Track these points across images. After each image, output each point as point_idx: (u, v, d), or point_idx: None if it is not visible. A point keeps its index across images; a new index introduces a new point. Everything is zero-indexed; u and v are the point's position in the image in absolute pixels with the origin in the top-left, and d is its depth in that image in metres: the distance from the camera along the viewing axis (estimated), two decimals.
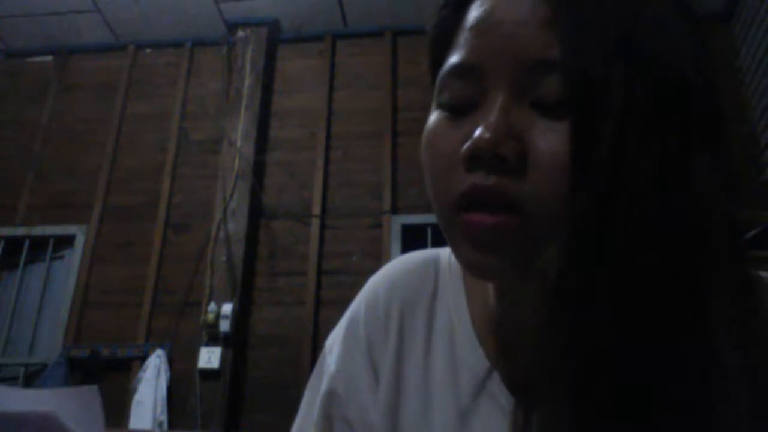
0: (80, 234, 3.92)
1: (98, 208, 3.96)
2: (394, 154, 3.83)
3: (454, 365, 0.54)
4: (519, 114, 0.41)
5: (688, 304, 0.37)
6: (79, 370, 3.52)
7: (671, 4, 0.42)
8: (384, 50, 4.10)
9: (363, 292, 0.62)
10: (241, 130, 3.88)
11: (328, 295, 3.59)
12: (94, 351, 3.56)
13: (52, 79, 4.40)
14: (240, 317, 3.51)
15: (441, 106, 0.46)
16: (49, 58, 4.48)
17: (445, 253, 0.60)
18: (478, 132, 0.41)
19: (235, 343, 3.45)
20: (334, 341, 0.61)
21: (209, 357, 3.38)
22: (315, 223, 3.75)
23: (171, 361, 3.48)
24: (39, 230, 3.97)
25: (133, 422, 3.20)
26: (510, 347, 0.52)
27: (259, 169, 3.87)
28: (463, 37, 0.45)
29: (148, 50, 4.40)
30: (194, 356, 3.42)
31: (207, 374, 3.36)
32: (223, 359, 3.37)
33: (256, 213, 3.81)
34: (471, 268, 0.46)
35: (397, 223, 3.68)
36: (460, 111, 0.45)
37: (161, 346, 3.52)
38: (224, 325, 3.40)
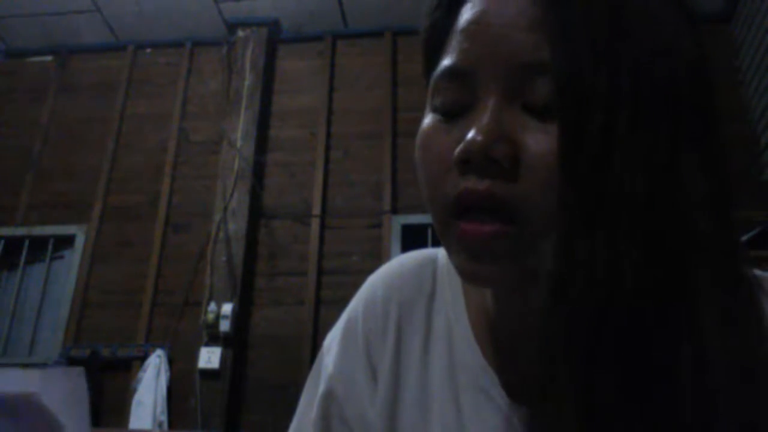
0: (80, 234, 3.92)
1: (98, 208, 3.96)
2: (394, 154, 3.83)
3: (452, 365, 0.54)
4: (511, 116, 0.41)
5: (677, 303, 0.37)
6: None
7: (665, 3, 0.42)
8: (384, 50, 4.10)
9: (361, 292, 0.61)
10: (241, 130, 3.88)
11: (327, 295, 3.59)
12: (94, 351, 3.56)
13: (52, 79, 4.40)
14: (240, 317, 3.51)
15: (434, 110, 0.46)
16: (49, 58, 4.48)
17: (443, 253, 0.60)
18: (469, 135, 0.41)
19: (235, 343, 3.45)
20: (332, 341, 0.61)
21: (209, 357, 3.38)
22: (315, 223, 3.75)
23: (171, 361, 3.49)
24: (39, 230, 3.97)
25: (133, 422, 3.20)
26: (507, 347, 0.52)
27: (259, 169, 3.87)
28: (454, 40, 0.45)
29: (148, 50, 4.40)
30: (194, 356, 3.42)
31: (207, 374, 3.36)
32: (223, 359, 3.38)
33: (256, 213, 3.81)
34: (465, 276, 0.46)
35: (397, 223, 3.68)
36: (452, 114, 0.45)
37: (161, 346, 3.52)
38: (224, 325, 3.40)
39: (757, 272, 0.45)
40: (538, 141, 0.40)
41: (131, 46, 4.39)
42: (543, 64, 0.40)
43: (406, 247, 3.53)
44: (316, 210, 3.78)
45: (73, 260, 3.88)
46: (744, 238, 2.23)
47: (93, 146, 4.15)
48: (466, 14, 0.45)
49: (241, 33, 4.14)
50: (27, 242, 3.96)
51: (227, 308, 3.44)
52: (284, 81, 4.16)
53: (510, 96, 0.42)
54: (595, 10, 0.39)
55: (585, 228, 0.37)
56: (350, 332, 0.59)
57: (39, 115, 4.29)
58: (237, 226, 3.68)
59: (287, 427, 0.61)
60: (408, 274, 0.60)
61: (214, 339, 3.43)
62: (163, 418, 3.26)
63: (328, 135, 3.97)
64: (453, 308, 0.56)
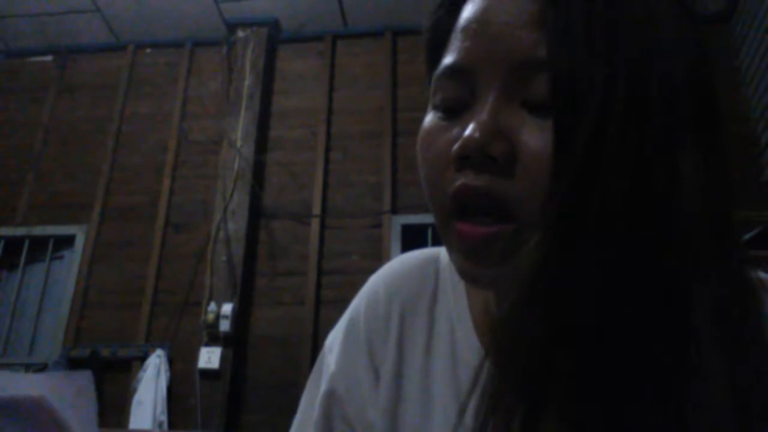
0: (80, 234, 3.92)
1: (98, 208, 3.96)
2: (394, 154, 3.83)
3: (455, 364, 0.54)
4: (509, 114, 0.42)
5: (675, 305, 0.37)
6: (80, 370, 3.52)
7: (667, 3, 0.42)
8: (384, 50, 4.10)
9: (363, 292, 0.61)
10: (241, 130, 3.88)
11: (327, 295, 3.59)
12: (94, 351, 3.57)
13: (52, 79, 4.40)
14: (240, 317, 3.51)
15: (435, 108, 0.47)
16: (49, 58, 4.48)
17: (445, 252, 0.60)
18: (467, 132, 0.41)
19: (235, 343, 3.45)
20: (333, 341, 0.61)
21: (209, 357, 3.38)
22: (315, 223, 3.75)
23: (171, 361, 3.49)
24: (39, 230, 3.97)
25: (133, 422, 3.20)
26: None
27: (259, 169, 3.87)
28: (455, 39, 0.45)
29: (148, 50, 4.40)
30: (194, 356, 3.42)
31: (207, 374, 3.36)
32: (223, 359, 3.38)
33: (256, 213, 3.81)
34: (465, 276, 0.46)
35: (397, 223, 3.68)
36: (453, 112, 0.45)
37: (161, 346, 3.52)
38: (224, 325, 3.40)
39: (761, 273, 0.45)
40: (536, 138, 0.40)
41: (131, 46, 4.39)
42: (542, 62, 0.40)
43: (406, 247, 3.53)
44: (316, 210, 3.78)
45: (73, 260, 3.88)
46: (744, 238, 2.23)
47: (93, 146, 4.15)
48: (466, 13, 0.45)
49: (241, 33, 4.14)
50: (27, 242, 3.96)
51: (227, 308, 3.44)
52: (284, 81, 4.16)
53: (509, 93, 0.42)
54: (594, 8, 0.39)
55: (572, 226, 0.37)
56: (352, 332, 0.59)
57: (39, 115, 4.29)
58: (237, 226, 3.68)
59: (287, 427, 0.61)
60: (410, 274, 0.60)
61: (214, 339, 3.43)
62: (163, 418, 3.26)
63: (328, 135, 3.97)
64: (455, 308, 0.56)
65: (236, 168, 3.80)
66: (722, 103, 0.43)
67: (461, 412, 0.51)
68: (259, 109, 3.96)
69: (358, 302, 0.61)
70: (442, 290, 0.58)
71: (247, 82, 4.00)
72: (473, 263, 0.43)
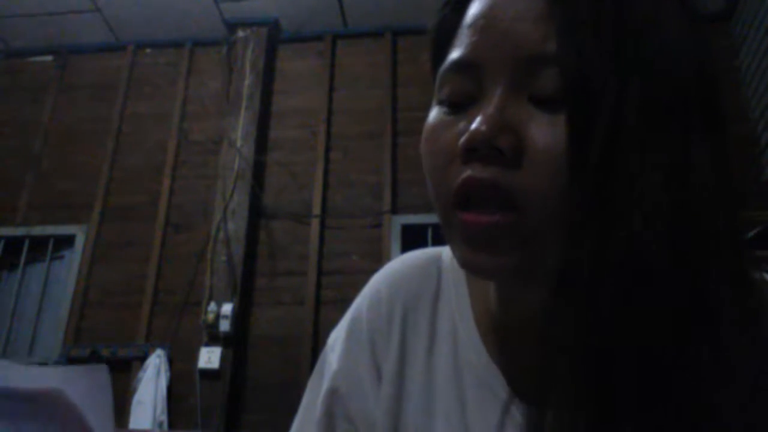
0: (80, 234, 3.92)
1: (98, 208, 3.96)
2: (394, 154, 3.83)
3: (457, 363, 0.54)
4: (516, 108, 0.42)
5: (691, 299, 0.37)
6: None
7: (670, 3, 0.42)
8: (384, 50, 4.10)
9: (365, 291, 0.62)
10: (241, 130, 3.88)
11: (327, 295, 3.59)
12: (94, 351, 3.56)
13: (52, 79, 4.40)
14: (240, 317, 3.51)
15: (440, 102, 0.47)
16: (49, 58, 4.48)
17: (447, 251, 0.60)
18: (474, 125, 0.42)
19: (235, 343, 3.45)
20: (336, 339, 0.61)
21: (209, 357, 3.38)
22: (315, 223, 3.75)
23: (171, 361, 3.48)
24: (39, 230, 3.97)
25: (133, 422, 3.20)
26: (511, 346, 0.52)
27: (259, 169, 3.87)
28: (462, 35, 0.46)
29: (148, 50, 4.40)
30: (194, 356, 3.42)
31: (207, 374, 3.36)
32: (223, 359, 3.38)
33: (256, 213, 3.81)
34: (467, 266, 0.46)
35: (397, 223, 3.68)
36: (459, 106, 0.45)
37: (161, 346, 3.52)
38: (224, 325, 3.40)
39: (765, 275, 0.45)
40: (543, 132, 0.40)
41: (131, 46, 4.39)
42: (549, 56, 0.40)
43: (406, 247, 3.53)
44: (316, 210, 3.78)
45: (73, 260, 3.87)
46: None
47: (93, 146, 4.15)
48: (473, 9, 0.46)
49: (241, 33, 4.14)
50: (27, 242, 3.96)
51: (227, 308, 3.44)
52: (284, 81, 4.16)
53: (516, 88, 0.42)
54: (602, 5, 0.40)
55: (594, 223, 0.37)
56: (355, 331, 0.59)
57: (39, 115, 4.29)
58: (237, 226, 3.68)
59: (287, 426, 0.61)
60: (412, 273, 0.60)
61: (214, 339, 3.43)
62: (163, 418, 3.26)
63: (328, 135, 3.97)
64: (457, 307, 0.56)
65: (236, 168, 3.80)
66: (724, 100, 0.43)
67: (464, 413, 0.51)
68: (259, 109, 3.95)
69: (360, 301, 0.61)
70: (444, 290, 0.58)
71: (247, 82, 4.00)
72: (474, 252, 0.43)
